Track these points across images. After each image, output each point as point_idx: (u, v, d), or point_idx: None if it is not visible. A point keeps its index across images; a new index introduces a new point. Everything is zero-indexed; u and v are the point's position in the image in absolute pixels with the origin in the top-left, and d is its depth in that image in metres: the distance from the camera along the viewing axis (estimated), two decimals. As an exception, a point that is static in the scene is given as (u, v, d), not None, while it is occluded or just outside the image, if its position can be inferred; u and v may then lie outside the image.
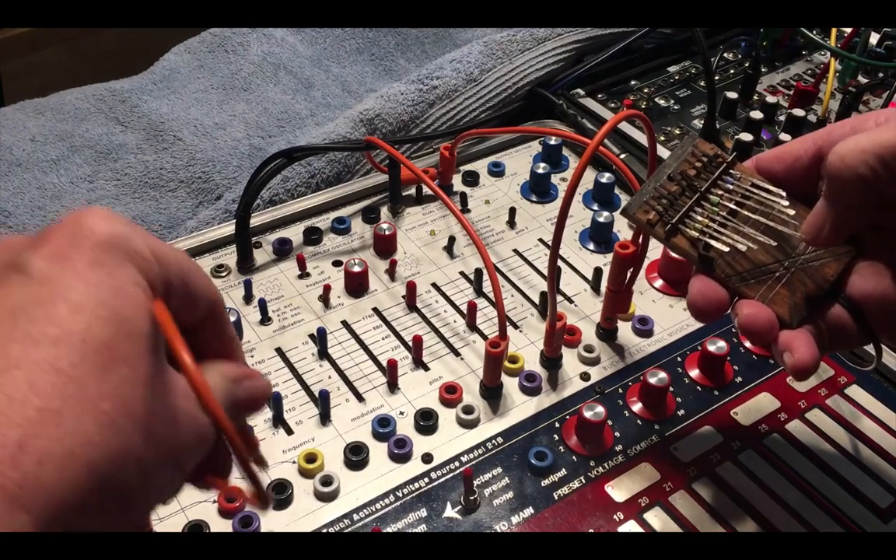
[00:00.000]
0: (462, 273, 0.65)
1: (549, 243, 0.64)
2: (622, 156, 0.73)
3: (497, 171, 0.75)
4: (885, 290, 0.43)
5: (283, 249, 0.66)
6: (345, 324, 0.60)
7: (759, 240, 0.45)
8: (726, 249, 0.44)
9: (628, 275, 0.57)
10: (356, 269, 0.62)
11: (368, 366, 0.58)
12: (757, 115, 0.78)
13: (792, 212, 0.45)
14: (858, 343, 0.44)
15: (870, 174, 0.39)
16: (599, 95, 0.84)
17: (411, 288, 0.62)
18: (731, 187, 0.46)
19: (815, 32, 0.84)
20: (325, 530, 0.48)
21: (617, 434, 0.54)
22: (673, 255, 0.59)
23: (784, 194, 0.45)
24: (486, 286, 0.63)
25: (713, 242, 0.45)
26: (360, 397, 0.56)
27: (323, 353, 0.58)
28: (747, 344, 0.60)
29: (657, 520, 0.49)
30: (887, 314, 0.43)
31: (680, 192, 0.46)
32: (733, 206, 0.46)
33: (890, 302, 0.43)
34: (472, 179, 0.74)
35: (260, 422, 0.54)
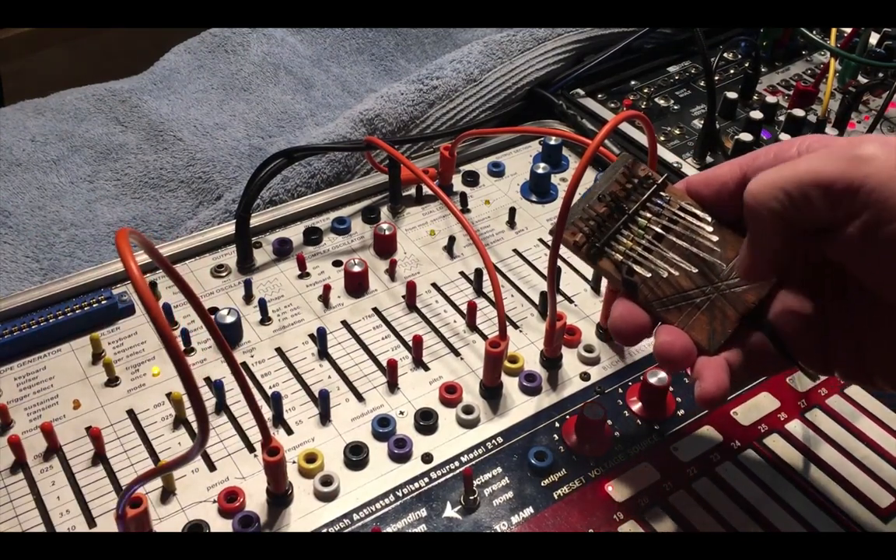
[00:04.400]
0: (462, 273, 0.65)
1: (549, 243, 0.64)
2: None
3: (497, 171, 0.75)
4: (804, 317, 0.43)
5: (283, 249, 0.66)
6: (345, 324, 0.60)
7: (682, 266, 0.45)
8: (648, 275, 0.45)
9: (628, 275, 0.57)
10: (356, 269, 0.62)
11: (368, 366, 0.58)
12: (757, 115, 0.78)
13: (715, 238, 0.45)
14: (780, 368, 0.45)
15: (779, 207, 0.40)
16: (599, 95, 0.84)
17: (411, 288, 0.62)
18: (659, 210, 0.47)
19: (814, 32, 0.84)
20: (324, 530, 0.48)
21: (617, 434, 0.54)
22: None
23: (710, 220, 0.46)
24: (486, 286, 0.63)
25: (636, 267, 0.45)
26: (359, 397, 0.56)
27: (323, 353, 0.58)
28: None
29: (657, 520, 0.49)
30: (807, 340, 0.43)
31: (608, 214, 0.47)
32: (659, 230, 0.46)
33: (809, 329, 0.43)
34: (472, 179, 0.74)
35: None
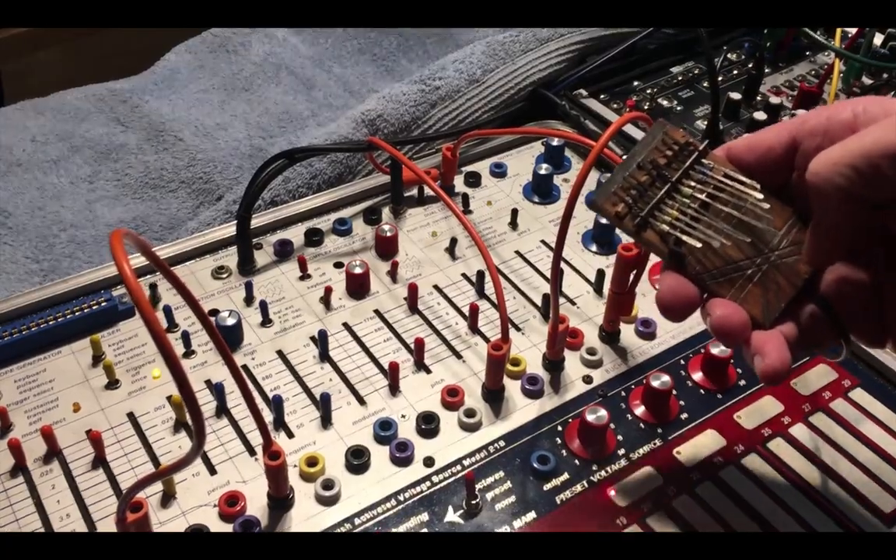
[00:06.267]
0: (464, 275, 0.64)
1: (552, 245, 0.64)
2: (625, 157, 0.73)
3: (499, 171, 0.74)
4: (858, 287, 0.42)
5: (284, 251, 0.65)
6: (346, 326, 0.60)
7: (733, 236, 0.43)
8: (699, 245, 0.43)
9: (631, 277, 0.57)
10: (357, 270, 0.62)
11: (370, 368, 0.57)
12: (761, 115, 0.78)
13: (766, 206, 0.43)
14: (832, 341, 0.43)
15: (847, 183, 0.38)
16: (602, 96, 0.84)
17: (413, 290, 0.61)
18: (702, 178, 0.44)
19: (819, 33, 0.84)
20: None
21: (619, 438, 0.54)
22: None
23: (758, 187, 0.43)
24: (489, 288, 0.63)
25: (685, 237, 0.43)
26: (361, 400, 0.55)
27: (324, 356, 0.58)
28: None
29: (660, 524, 0.49)
30: (861, 310, 0.42)
31: (650, 183, 0.44)
32: (705, 199, 0.44)
33: (863, 298, 0.42)
34: (474, 180, 0.73)
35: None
